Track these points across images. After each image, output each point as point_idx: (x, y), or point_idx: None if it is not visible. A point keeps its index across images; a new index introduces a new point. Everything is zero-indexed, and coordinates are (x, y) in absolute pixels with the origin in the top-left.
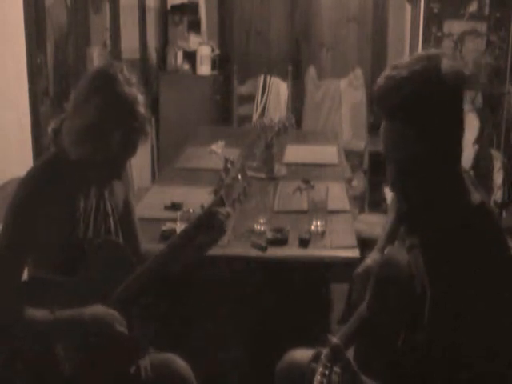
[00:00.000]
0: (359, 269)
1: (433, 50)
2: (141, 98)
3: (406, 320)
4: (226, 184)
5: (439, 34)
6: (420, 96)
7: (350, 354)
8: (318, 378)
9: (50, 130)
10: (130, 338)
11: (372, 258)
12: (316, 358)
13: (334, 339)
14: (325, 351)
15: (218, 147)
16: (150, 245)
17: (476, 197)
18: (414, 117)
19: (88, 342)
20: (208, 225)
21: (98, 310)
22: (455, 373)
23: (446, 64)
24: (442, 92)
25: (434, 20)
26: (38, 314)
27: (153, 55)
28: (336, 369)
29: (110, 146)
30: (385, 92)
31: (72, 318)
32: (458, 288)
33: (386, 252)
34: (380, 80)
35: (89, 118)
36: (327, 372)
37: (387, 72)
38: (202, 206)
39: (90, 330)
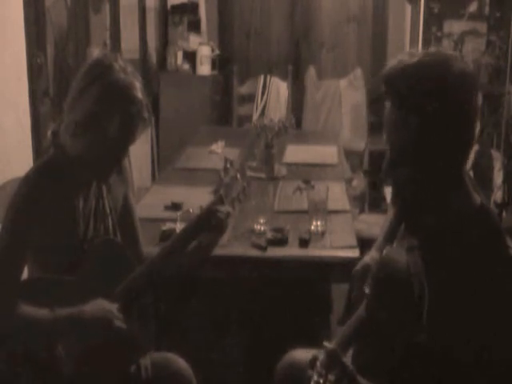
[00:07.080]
0: (358, 266)
1: (449, 52)
2: (137, 84)
3: (405, 321)
4: (225, 183)
5: (439, 34)
6: (427, 88)
7: (349, 355)
8: None
9: (49, 132)
10: (130, 337)
11: (370, 255)
12: (312, 364)
13: (330, 345)
14: (320, 358)
15: (218, 147)
16: (150, 248)
17: (476, 199)
18: (419, 107)
19: (88, 340)
20: (208, 224)
21: (97, 306)
22: (454, 374)
23: (457, 64)
24: (450, 90)
25: (434, 20)
26: (37, 312)
27: (153, 55)
28: (330, 377)
29: (108, 134)
30: (394, 74)
31: (71, 315)
32: (457, 290)
33: (384, 252)
34: (392, 62)
35: (86, 109)
36: (322, 381)
37: (401, 56)
38: (201, 207)
39: (89, 327)
